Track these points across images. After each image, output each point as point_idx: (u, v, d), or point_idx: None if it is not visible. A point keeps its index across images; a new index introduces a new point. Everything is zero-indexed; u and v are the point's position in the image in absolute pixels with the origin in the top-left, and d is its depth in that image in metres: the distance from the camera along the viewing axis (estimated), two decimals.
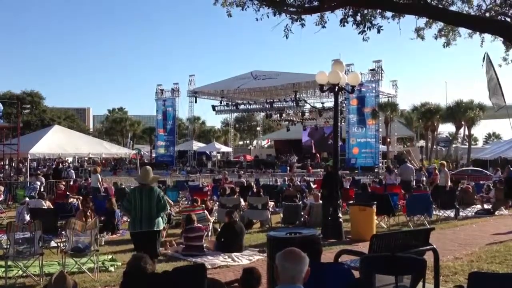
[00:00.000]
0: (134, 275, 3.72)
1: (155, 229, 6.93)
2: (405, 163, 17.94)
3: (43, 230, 7.78)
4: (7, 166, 24.79)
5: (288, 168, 35.77)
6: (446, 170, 17.79)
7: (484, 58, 12.45)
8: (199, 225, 9.66)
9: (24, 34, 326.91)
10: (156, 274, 3.95)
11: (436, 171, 18.37)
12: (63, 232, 9.34)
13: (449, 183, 16.87)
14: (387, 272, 4.26)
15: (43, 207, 11.91)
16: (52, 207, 12.34)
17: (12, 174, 22.70)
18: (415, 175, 18.65)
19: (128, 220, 8.47)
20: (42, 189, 17.67)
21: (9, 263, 7.24)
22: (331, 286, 3.75)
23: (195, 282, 3.70)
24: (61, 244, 9.21)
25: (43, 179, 19.80)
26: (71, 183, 21.21)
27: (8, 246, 7.45)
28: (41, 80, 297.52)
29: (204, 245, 9.42)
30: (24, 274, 7.28)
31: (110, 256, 8.82)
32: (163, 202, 7.03)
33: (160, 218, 7.03)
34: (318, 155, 43.53)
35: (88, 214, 10.74)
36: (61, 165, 28.48)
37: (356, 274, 4.41)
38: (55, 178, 21.61)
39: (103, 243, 9.85)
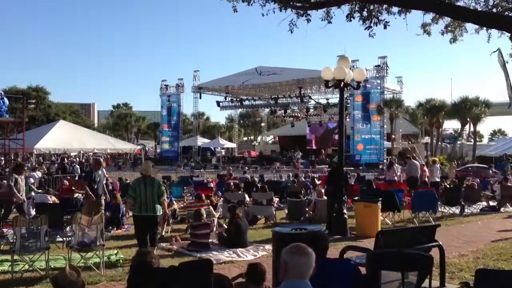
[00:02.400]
0: (141, 270, 3.73)
1: (158, 214, 8.05)
2: (411, 159, 17.78)
3: (49, 225, 7.80)
4: (12, 161, 24.84)
5: (311, 164, 35.44)
6: (437, 166, 17.75)
7: (497, 52, 12.31)
8: (206, 221, 9.68)
9: (30, 30, 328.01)
10: (162, 269, 3.96)
11: (424, 168, 18.44)
12: (68, 227, 9.36)
13: (438, 179, 16.90)
14: (394, 268, 4.25)
15: (49, 202, 11.95)
16: (57, 202, 12.38)
17: None
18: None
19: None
20: (37, 185, 17.76)
21: (15, 257, 7.26)
22: (338, 282, 3.74)
23: (201, 277, 3.70)
24: (67, 238, 9.24)
25: (36, 175, 19.73)
26: (76, 178, 21.26)
27: (14, 241, 7.48)
28: (47, 75, 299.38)
29: (210, 240, 9.44)
30: (30, 268, 7.31)
31: (115, 251, 8.85)
32: (162, 189, 8.20)
33: (159, 205, 8.05)
34: (323, 151, 43.47)
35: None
36: (66, 160, 28.52)
37: (362, 270, 4.40)
38: (60, 173, 21.67)
39: (108, 238, 9.87)
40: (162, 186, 8.34)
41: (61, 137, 25.06)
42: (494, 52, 11.85)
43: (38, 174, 20.21)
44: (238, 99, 43.64)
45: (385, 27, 7.73)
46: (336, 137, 38.70)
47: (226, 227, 10.07)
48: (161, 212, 8.22)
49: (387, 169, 18.74)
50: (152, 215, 7.95)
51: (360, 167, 32.05)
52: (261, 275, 4.85)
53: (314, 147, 46.51)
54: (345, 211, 10.95)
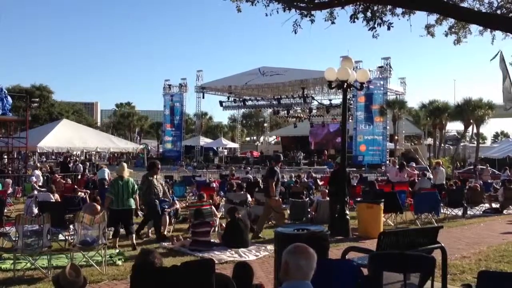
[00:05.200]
0: (143, 269, 3.74)
1: (132, 207, 9.59)
2: (424, 176, 17.51)
3: (52, 223, 7.81)
4: (15, 160, 24.92)
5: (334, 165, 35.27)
6: (442, 168, 17.67)
7: (498, 55, 12.31)
8: (206, 220, 9.69)
9: (34, 28, 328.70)
10: (164, 268, 3.96)
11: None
12: (71, 226, 9.38)
13: (442, 182, 16.88)
14: (396, 269, 4.24)
15: (51, 200, 11.96)
16: (60, 200, 12.38)
17: (20, 167, 22.83)
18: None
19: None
20: (40, 183, 17.78)
21: (18, 255, 7.29)
22: (340, 283, 3.74)
23: (203, 276, 3.70)
24: (69, 237, 9.26)
25: (37, 173, 19.75)
26: (79, 177, 21.30)
27: (16, 239, 7.49)
28: (50, 74, 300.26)
29: (211, 240, 9.44)
30: (32, 266, 7.33)
31: (117, 250, 8.87)
32: (136, 188, 9.72)
33: (133, 200, 9.59)
34: (325, 151, 43.46)
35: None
36: (69, 159, 28.58)
37: (364, 271, 4.40)
38: (63, 172, 21.72)
39: (110, 237, 9.88)
40: (135, 185, 9.81)
41: (64, 136, 25.05)
42: (494, 58, 11.84)
43: (40, 172, 20.24)
44: (241, 99, 43.65)
45: (388, 28, 7.71)
46: (337, 139, 38.79)
47: (225, 227, 10.08)
48: (134, 206, 9.70)
49: (399, 170, 18.62)
50: (129, 208, 9.49)
51: (363, 168, 32.03)
52: (249, 275, 4.80)
53: (312, 147, 46.57)
54: (347, 211, 10.94)
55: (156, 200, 10.30)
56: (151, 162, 11.98)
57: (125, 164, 10.24)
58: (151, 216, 10.35)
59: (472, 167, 28.66)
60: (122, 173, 9.71)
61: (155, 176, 10.55)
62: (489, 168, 26.22)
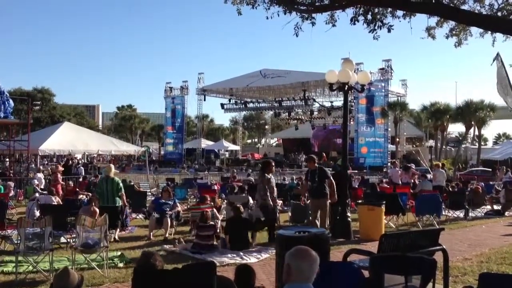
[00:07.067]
0: (145, 271, 3.75)
1: (116, 204, 10.27)
2: (425, 178, 17.47)
3: (53, 226, 7.82)
4: (17, 162, 24.96)
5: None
6: (442, 170, 17.63)
7: (496, 58, 12.32)
8: (211, 223, 9.69)
9: (36, 31, 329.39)
10: (166, 270, 3.97)
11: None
12: (72, 228, 9.39)
13: (442, 184, 16.85)
14: (397, 272, 4.24)
15: (53, 203, 11.97)
16: (61, 203, 12.40)
17: (22, 170, 22.86)
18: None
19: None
20: (42, 186, 17.81)
21: (20, 258, 7.29)
22: (341, 285, 3.74)
23: (204, 279, 3.71)
24: (71, 240, 9.27)
25: (39, 175, 19.78)
26: (81, 179, 21.32)
27: (18, 242, 7.50)
28: (52, 77, 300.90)
29: (213, 243, 9.43)
30: (34, 269, 7.32)
31: (119, 253, 8.86)
32: (120, 187, 10.46)
33: (118, 198, 10.32)
34: (324, 154, 43.44)
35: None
36: (70, 162, 28.60)
37: (365, 273, 4.40)
38: (65, 175, 21.74)
39: (112, 240, 9.89)
40: (120, 185, 10.50)
41: (65, 139, 25.10)
42: (494, 62, 11.84)
43: (42, 175, 20.28)
44: (242, 102, 43.69)
45: (389, 31, 7.73)
46: (338, 140, 38.85)
47: (226, 224, 10.07)
48: (119, 204, 10.35)
49: (404, 171, 18.59)
50: (113, 206, 10.10)
51: (364, 170, 32.02)
52: (250, 277, 4.79)
53: (316, 150, 46.62)
54: (348, 214, 10.92)
55: (271, 202, 10.02)
56: (265, 160, 11.82)
57: (112, 165, 11.37)
58: (269, 220, 10.08)
59: (491, 169, 28.65)
60: (109, 173, 10.51)
61: (270, 175, 10.28)
62: (504, 170, 26.02)
